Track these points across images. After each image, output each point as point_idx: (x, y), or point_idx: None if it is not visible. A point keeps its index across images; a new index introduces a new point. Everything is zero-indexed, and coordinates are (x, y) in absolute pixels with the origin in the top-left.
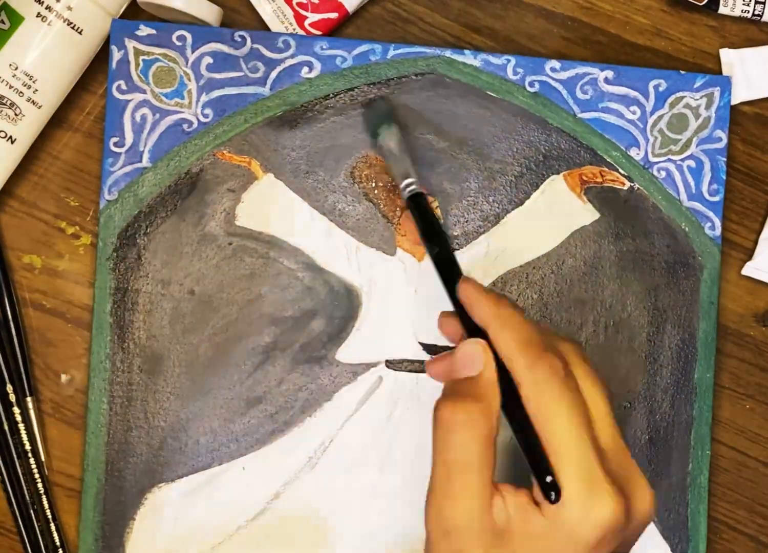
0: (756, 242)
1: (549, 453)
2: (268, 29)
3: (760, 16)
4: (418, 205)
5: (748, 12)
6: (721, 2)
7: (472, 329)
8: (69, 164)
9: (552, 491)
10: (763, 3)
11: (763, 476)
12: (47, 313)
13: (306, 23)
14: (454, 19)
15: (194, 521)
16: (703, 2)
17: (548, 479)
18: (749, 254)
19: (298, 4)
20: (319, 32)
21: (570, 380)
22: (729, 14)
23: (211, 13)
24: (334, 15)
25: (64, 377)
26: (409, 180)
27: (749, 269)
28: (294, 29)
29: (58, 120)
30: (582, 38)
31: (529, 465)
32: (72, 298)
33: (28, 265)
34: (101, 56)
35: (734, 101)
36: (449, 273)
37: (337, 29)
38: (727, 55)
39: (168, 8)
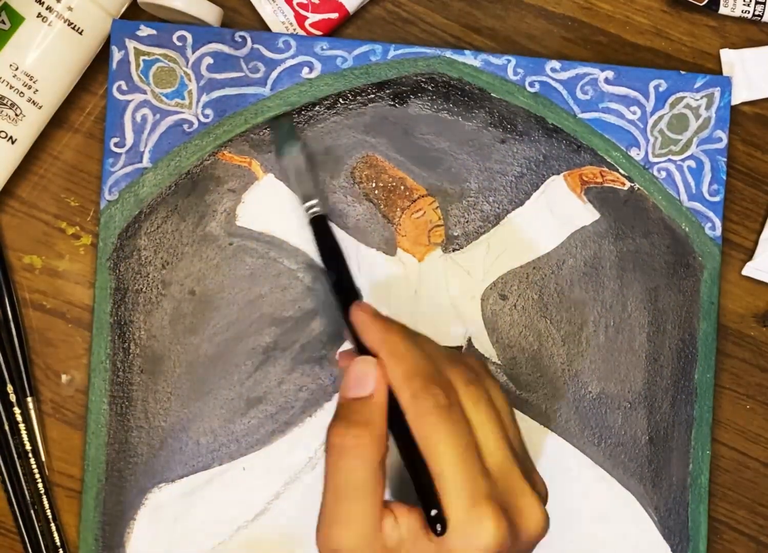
0: (756, 242)
1: (435, 479)
2: (269, 29)
3: (761, 16)
4: (317, 228)
5: (749, 12)
6: (722, 2)
7: (365, 353)
8: (69, 164)
9: (437, 524)
10: (763, 3)
11: (764, 476)
12: (47, 313)
13: (306, 23)
14: (454, 19)
15: (194, 522)
16: (704, 2)
17: (432, 512)
18: (749, 254)
19: (299, 4)
20: (319, 32)
21: (453, 409)
22: (729, 14)
23: (211, 14)
24: (334, 15)
25: (64, 378)
26: (311, 202)
27: (749, 269)
28: (294, 29)
29: (58, 120)
30: (582, 38)
31: (417, 495)
32: (72, 298)
33: (29, 266)
34: (101, 56)
35: (734, 101)
36: (345, 298)
37: (338, 29)
38: (727, 55)
39: (168, 8)
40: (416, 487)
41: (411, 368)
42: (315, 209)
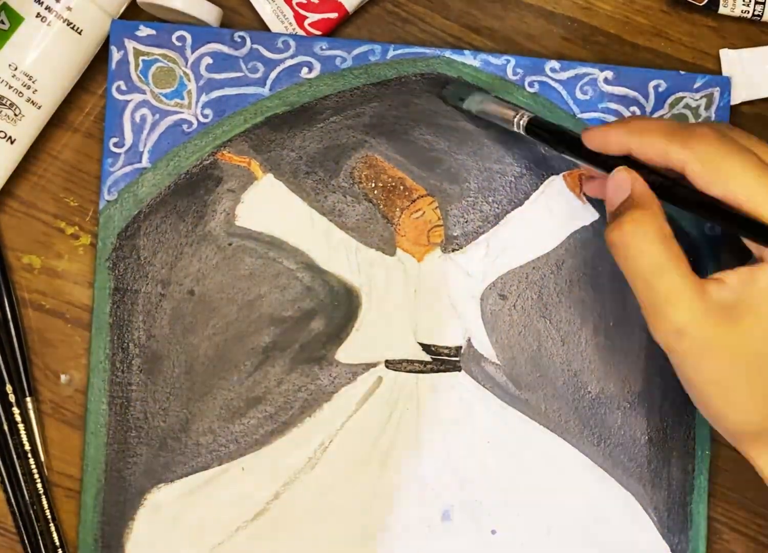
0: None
1: (749, 210)
2: (268, 29)
3: (760, 16)
4: (537, 128)
5: (748, 12)
6: (721, 3)
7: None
8: (69, 164)
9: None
10: (763, 3)
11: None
12: (46, 313)
13: (306, 23)
14: (454, 19)
15: (194, 522)
16: (703, 3)
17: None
18: (749, 255)
19: (298, 4)
20: (318, 32)
21: (726, 138)
22: (729, 15)
23: (210, 14)
24: (333, 15)
25: (63, 378)
26: (514, 113)
27: None
28: (294, 29)
29: (57, 120)
30: (582, 39)
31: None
32: (71, 298)
33: (28, 266)
34: (101, 56)
35: (734, 102)
36: (576, 148)
37: (337, 29)
38: (727, 55)
39: (168, 8)
40: (733, 225)
41: (668, 127)
42: (525, 116)
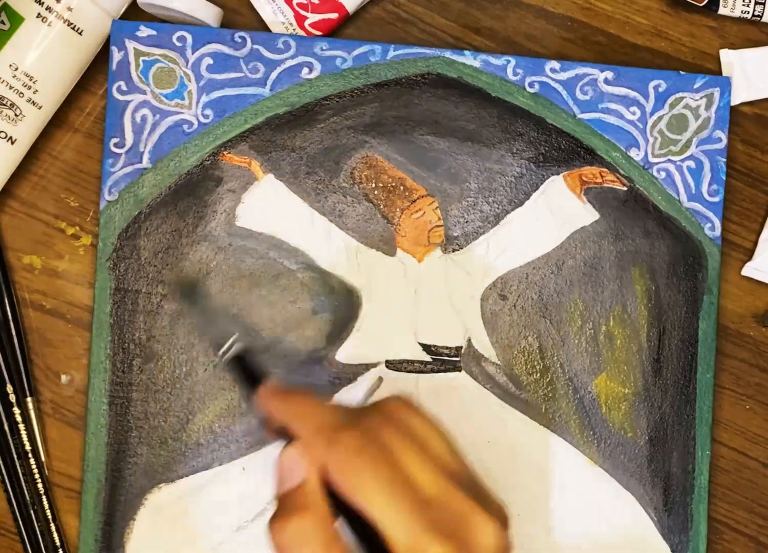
0: (756, 243)
1: (381, 528)
2: (269, 30)
3: (760, 16)
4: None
5: (748, 13)
6: (721, 3)
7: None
8: (69, 165)
9: None
10: (763, 3)
11: (763, 476)
12: (47, 313)
13: (306, 23)
14: (453, 19)
15: (194, 522)
16: (703, 3)
17: None
18: (749, 255)
19: (299, 4)
20: (319, 32)
21: (370, 447)
22: (729, 15)
23: (211, 14)
24: (334, 15)
25: (64, 378)
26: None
27: (749, 270)
28: (294, 29)
29: (58, 120)
30: (582, 39)
31: None
32: (72, 298)
33: (28, 266)
34: (101, 57)
35: (734, 102)
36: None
37: (337, 30)
38: (726, 55)
39: (168, 9)
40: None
41: (320, 422)
42: (237, 345)
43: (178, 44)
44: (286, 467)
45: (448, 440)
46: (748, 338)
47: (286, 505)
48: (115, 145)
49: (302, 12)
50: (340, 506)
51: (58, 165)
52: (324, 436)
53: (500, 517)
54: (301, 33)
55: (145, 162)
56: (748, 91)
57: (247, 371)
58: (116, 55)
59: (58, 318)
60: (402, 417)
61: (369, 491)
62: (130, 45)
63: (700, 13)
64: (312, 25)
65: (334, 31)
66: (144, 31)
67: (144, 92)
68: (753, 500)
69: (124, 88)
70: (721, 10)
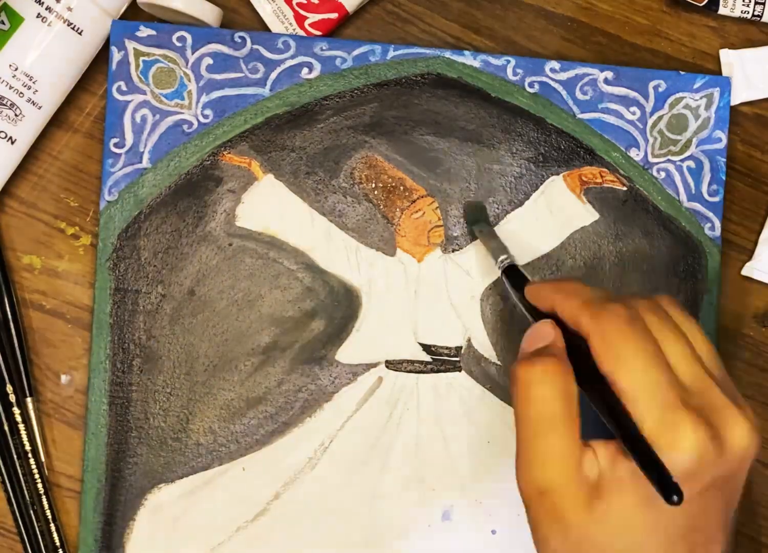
0: (756, 243)
1: (626, 400)
2: (268, 29)
3: (760, 16)
4: (512, 276)
5: (748, 12)
6: (721, 3)
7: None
8: (69, 165)
9: (673, 494)
10: (763, 3)
11: (764, 476)
12: (47, 313)
13: (306, 23)
14: (453, 19)
15: (194, 522)
16: (703, 3)
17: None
18: (749, 255)
19: (298, 4)
20: (318, 32)
21: (636, 322)
22: (729, 15)
23: (210, 14)
24: (333, 15)
25: (64, 378)
26: (503, 256)
27: (749, 270)
28: (294, 29)
29: (58, 120)
30: (582, 39)
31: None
32: (72, 298)
33: (28, 266)
34: (101, 57)
35: (734, 102)
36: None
37: (337, 29)
38: (726, 55)
39: (168, 9)
40: (609, 420)
41: (587, 298)
42: (507, 260)
43: (178, 44)
44: (538, 333)
45: (710, 346)
46: (748, 338)
47: (536, 352)
48: (115, 145)
49: (302, 12)
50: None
51: (58, 165)
52: (591, 306)
53: (753, 421)
54: (301, 33)
55: (145, 162)
56: (748, 91)
57: (516, 279)
58: (116, 56)
59: (57, 318)
60: (671, 311)
61: (631, 360)
62: (130, 45)
63: (700, 13)
64: (312, 25)
65: (333, 31)
66: (144, 32)
67: (144, 92)
68: (753, 500)
69: (124, 88)
70: (721, 10)
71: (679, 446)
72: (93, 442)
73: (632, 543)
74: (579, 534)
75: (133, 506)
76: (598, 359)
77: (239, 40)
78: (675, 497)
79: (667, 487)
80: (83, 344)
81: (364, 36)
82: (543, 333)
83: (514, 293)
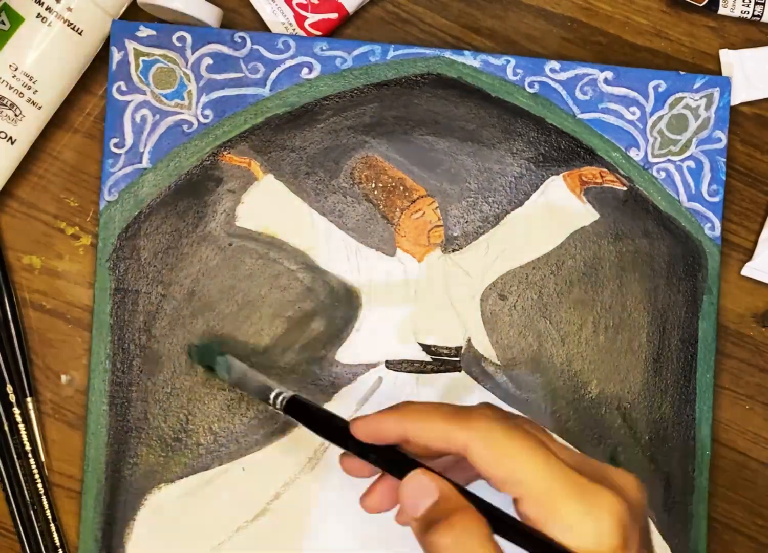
0: (756, 243)
1: (536, 497)
2: (268, 29)
3: (760, 16)
4: (297, 409)
5: (748, 13)
6: (721, 3)
7: (396, 463)
8: (69, 165)
9: None
10: (763, 4)
11: (763, 476)
12: (47, 313)
13: (306, 24)
14: (454, 19)
15: (194, 522)
16: (703, 3)
17: None
18: (749, 255)
19: (298, 4)
20: (318, 32)
21: (505, 418)
22: (728, 15)
23: (210, 14)
24: (333, 15)
25: (64, 378)
26: (276, 390)
27: (749, 270)
28: (294, 30)
29: (58, 120)
30: (582, 39)
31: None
32: (72, 298)
33: (28, 266)
34: (101, 57)
35: (734, 102)
36: (341, 437)
37: (337, 30)
38: (726, 55)
39: (168, 9)
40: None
41: (445, 412)
42: (284, 394)
43: (178, 44)
44: (417, 492)
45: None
46: (747, 338)
47: (434, 517)
48: (115, 145)
49: (302, 12)
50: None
51: (58, 165)
52: (458, 418)
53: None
54: (301, 33)
55: (145, 162)
56: (748, 91)
57: (306, 412)
58: (116, 56)
59: (57, 318)
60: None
61: (522, 459)
62: (130, 45)
63: (700, 13)
64: (312, 25)
65: (333, 31)
66: (144, 32)
67: (144, 92)
68: (753, 500)
69: (124, 88)
70: (721, 10)
71: (606, 512)
72: (93, 442)
73: None
74: None
75: (134, 506)
76: (486, 464)
77: (239, 41)
78: None
79: None
80: (83, 344)
81: (364, 36)
82: (423, 486)
83: (319, 433)
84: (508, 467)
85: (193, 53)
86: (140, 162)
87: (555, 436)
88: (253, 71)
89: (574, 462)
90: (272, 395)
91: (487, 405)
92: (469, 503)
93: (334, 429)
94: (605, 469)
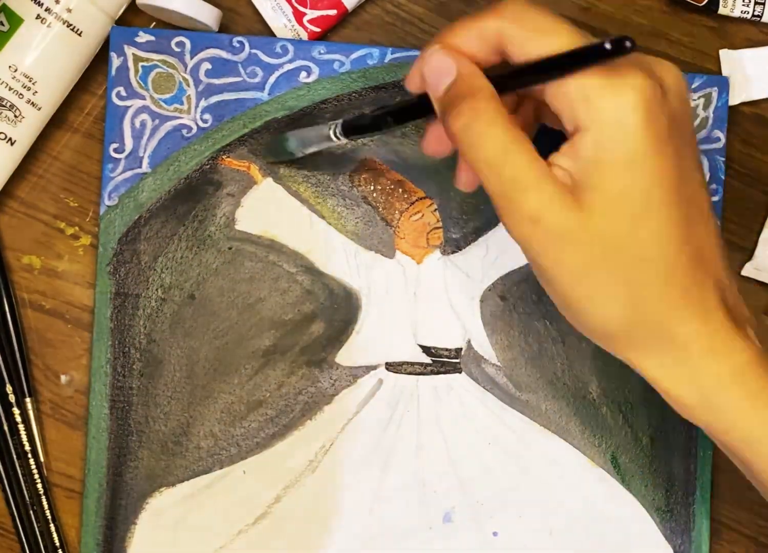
0: (755, 243)
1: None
2: (267, 25)
3: (760, 16)
4: (354, 126)
5: (748, 13)
6: (721, 3)
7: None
8: (69, 165)
9: (624, 41)
10: (763, 4)
11: None
12: (47, 313)
13: (305, 20)
14: (453, 20)
15: (195, 525)
16: (703, 3)
17: (606, 46)
18: (749, 255)
19: (297, 0)
20: (317, 29)
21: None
22: (728, 15)
23: (210, 15)
24: (333, 12)
25: (63, 378)
26: (330, 125)
27: (749, 270)
28: (293, 26)
29: (58, 120)
30: None
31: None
32: (71, 298)
33: (28, 266)
34: (101, 56)
35: (734, 102)
36: (405, 111)
37: (337, 30)
38: (727, 55)
39: (167, 10)
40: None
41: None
42: (335, 124)
43: (177, 49)
44: (436, 70)
45: None
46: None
47: (451, 100)
48: (115, 150)
49: (301, 8)
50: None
51: (57, 165)
52: (486, 10)
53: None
54: (300, 29)
55: (145, 167)
56: (748, 91)
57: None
58: (115, 61)
59: (57, 318)
60: None
61: (560, 30)
62: (129, 51)
63: (700, 13)
64: (311, 21)
65: (333, 30)
66: (143, 37)
67: (143, 98)
68: (754, 500)
69: (123, 93)
70: (721, 11)
71: (629, 87)
72: (94, 446)
73: (641, 198)
74: (581, 240)
75: (135, 509)
76: (523, 45)
77: (237, 45)
78: (627, 43)
79: (616, 43)
80: (83, 344)
81: (364, 36)
82: (440, 64)
83: (383, 126)
84: (545, 43)
85: (191, 58)
86: (140, 167)
87: None
88: (252, 75)
89: None
90: (330, 133)
91: None
92: (486, 83)
93: (392, 112)
94: (641, 57)
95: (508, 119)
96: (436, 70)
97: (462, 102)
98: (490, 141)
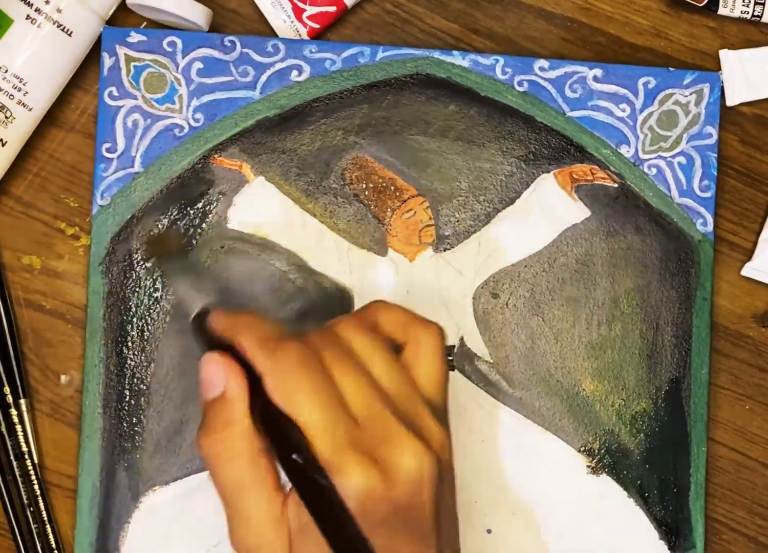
0: (755, 243)
1: (306, 435)
2: (266, 22)
3: (760, 16)
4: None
5: (748, 13)
6: (721, 3)
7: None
8: (68, 165)
9: None
10: (763, 4)
11: (763, 476)
12: (46, 313)
13: (304, 16)
14: (453, 20)
15: (190, 524)
16: (703, 3)
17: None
18: (748, 255)
19: None
20: (317, 25)
21: (310, 362)
22: (728, 15)
23: (200, 14)
24: (332, 8)
25: (63, 378)
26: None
27: (749, 270)
28: (292, 22)
29: (57, 120)
30: (581, 39)
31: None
32: (71, 299)
33: (28, 266)
34: (93, 55)
35: (734, 102)
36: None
37: (337, 30)
38: (727, 55)
39: (157, 9)
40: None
41: (265, 334)
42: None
43: (168, 49)
44: (208, 376)
45: (390, 363)
46: (747, 339)
47: (211, 417)
48: (107, 150)
49: (300, 4)
50: (269, 422)
51: (57, 165)
52: (265, 346)
53: (433, 441)
54: (299, 25)
55: (137, 166)
56: (748, 91)
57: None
58: (107, 62)
59: (57, 318)
60: (352, 337)
61: (301, 402)
62: (121, 51)
63: (700, 13)
64: (310, 17)
65: (333, 30)
66: (134, 37)
67: (135, 97)
68: (752, 500)
69: (115, 93)
70: (721, 11)
71: (348, 486)
72: (88, 445)
73: None
74: None
75: (128, 508)
76: (275, 400)
77: (229, 44)
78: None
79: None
80: (83, 345)
81: (364, 36)
82: (214, 377)
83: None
84: (288, 409)
85: (183, 58)
86: (132, 166)
87: None
88: (243, 75)
89: (364, 417)
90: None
91: (310, 335)
92: (246, 415)
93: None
94: (393, 435)
95: (257, 452)
96: (208, 377)
97: (219, 431)
98: (235, 474)
